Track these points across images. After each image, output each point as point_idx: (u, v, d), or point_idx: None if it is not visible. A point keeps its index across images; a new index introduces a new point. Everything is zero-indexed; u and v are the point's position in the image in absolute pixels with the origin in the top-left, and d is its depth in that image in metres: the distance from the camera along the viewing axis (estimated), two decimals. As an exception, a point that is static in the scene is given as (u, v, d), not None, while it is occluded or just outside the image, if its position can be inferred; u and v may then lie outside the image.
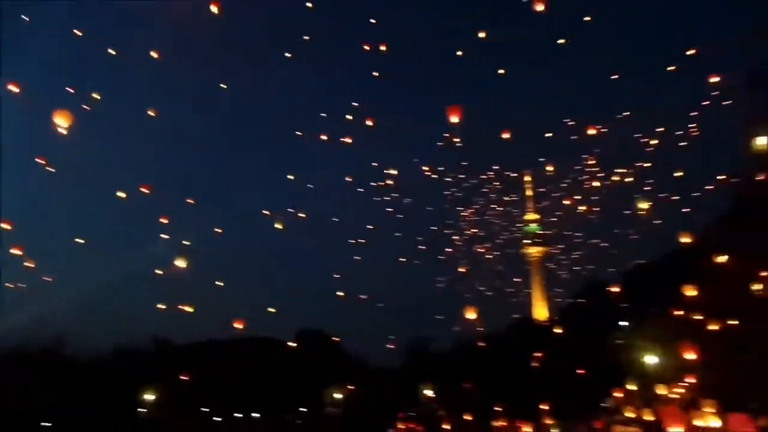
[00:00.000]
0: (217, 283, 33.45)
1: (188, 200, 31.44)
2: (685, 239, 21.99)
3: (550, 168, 45.47)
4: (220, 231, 40.42)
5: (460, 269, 59.53)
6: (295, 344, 48.74)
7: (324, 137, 33.44)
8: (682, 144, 32.95)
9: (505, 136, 31.41)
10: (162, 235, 27.14)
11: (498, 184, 61.08)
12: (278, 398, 47.91)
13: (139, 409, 39.73)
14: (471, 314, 30.30)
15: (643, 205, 29.66)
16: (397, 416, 40.03)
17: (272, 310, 38.79)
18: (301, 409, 51.30)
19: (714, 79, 18.84)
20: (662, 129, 33.55)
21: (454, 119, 18.16)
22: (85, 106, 23.86)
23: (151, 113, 26.08)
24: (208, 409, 43.74)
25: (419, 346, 55.31)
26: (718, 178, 27.62)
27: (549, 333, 47.92)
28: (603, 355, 35.59)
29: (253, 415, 47.93)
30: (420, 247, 57.12)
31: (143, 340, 53.22)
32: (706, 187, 30.69)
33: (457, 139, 33.96)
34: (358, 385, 51.23)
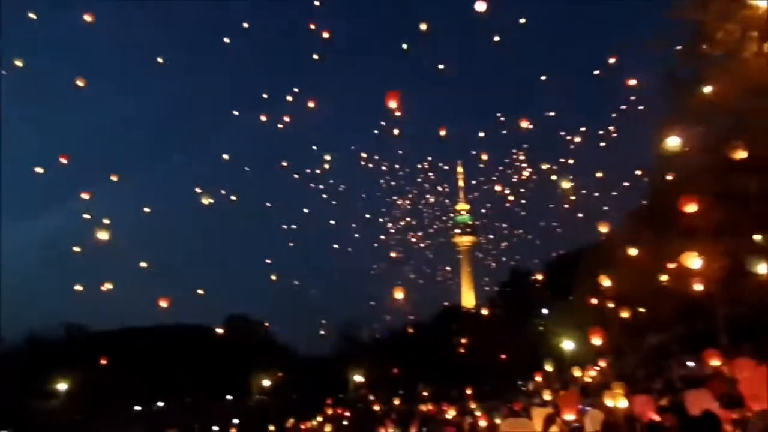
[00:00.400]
0: (141, 264, 31.52)
1: (112, 176, 28.91)
2: (603, 228, 23.31)
3: (484, 156, 46.75)
4: (148, 210, 38.17)
5: (393, 256, 60.25)
6: (222, 331, 47.64)
7: (263, 118, 32.14)
8: (602, 144, 34.95)
9: (442, 133, 31.86)
10: (84, 215, 24.83)
11: (432, 174, 62.22)
12: (204, 386, 46.76)
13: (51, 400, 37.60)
14: (399, 294, 31.06)
15: (566, 185, 30.62)
16: (326, 402, 40.05)
17: (201, 292, 37.23)
18: (227, 396, 50.38)
19: (632, 82, 19.96)
20: (584, 128, 35.33)
21: (393, 104, 18.35)
22: (3, 72, 21.44)
23: (80, 83, 23.62)
24: (127, 398, 42.04)
25: (350, 333, 55.68)
26: (636, 173, 29.14)
27: (476, 320, 49.57)
28: (525, 341, 37.24)
29: (174, 402, 46.57)
30: (355, 235, 57.32)
31: (58, 327, 50.28)
32: (624, 184, 32.68)
33: (396, 130, 34.10)
34: (286, 371, 50.89)
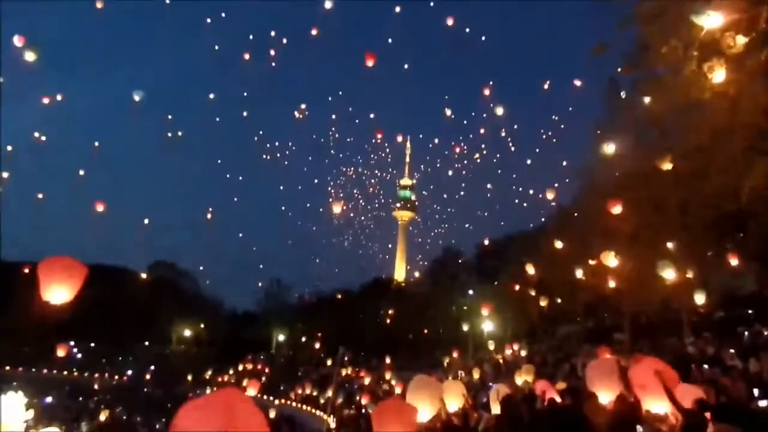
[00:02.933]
0: (79, 172, 29.98)
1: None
2: (550, 194, 24.73)
3: (445, 115, 47.81)
4: (97, 144, 36.42)
5: (334, 222, 60.75)
6: (146, 276, 46.17)
7: (247, 56, 31.47)
8: (540, 146, 36.78)
9: (399, 138, 32.61)
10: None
11: (381, 152, 62.90)
12: (121, 330, 45.44)
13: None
14: (337, 208, 33.62)
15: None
16: (245, 357, 40.12)
17: (147, 221, 36.12)
18: (146, 343, 49.27)
19: (577, 83, 20.77)
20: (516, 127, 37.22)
21: (370, 63, 20.00)
22: None
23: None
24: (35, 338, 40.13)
25: (279, 292, 55.51)
26: (567, 170, 30.47)
27: (404, 293, 50.64)
28: (449, 319, 38.47)
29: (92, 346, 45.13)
30: (307, 205, 57.16)
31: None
32: (555, 185, 34.49)
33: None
34: (209, 323, 50.33)
